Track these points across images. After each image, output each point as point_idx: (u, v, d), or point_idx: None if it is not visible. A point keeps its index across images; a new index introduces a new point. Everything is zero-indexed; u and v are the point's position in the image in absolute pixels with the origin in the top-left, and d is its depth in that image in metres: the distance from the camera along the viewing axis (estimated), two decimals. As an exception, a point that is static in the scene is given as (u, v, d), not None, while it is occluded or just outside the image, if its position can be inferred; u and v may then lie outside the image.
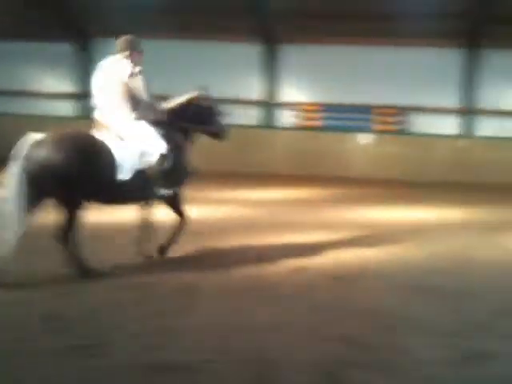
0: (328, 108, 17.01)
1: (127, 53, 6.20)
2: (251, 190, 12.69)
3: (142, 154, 6.07)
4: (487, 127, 16.60)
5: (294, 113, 17.21)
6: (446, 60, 16.53)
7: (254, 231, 8.34)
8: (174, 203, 6.68)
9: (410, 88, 16.77)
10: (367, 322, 4.84)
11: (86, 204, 5.92)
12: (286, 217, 9.71)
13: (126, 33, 6.50)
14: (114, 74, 6.09)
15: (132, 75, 6.07)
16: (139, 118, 6.20)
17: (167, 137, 6.30)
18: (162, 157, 6.13)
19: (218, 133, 7.09)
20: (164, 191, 6.36)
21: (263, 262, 6.70)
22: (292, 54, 17.28)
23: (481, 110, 16.55)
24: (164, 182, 6.24)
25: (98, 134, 6.02)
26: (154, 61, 17.24)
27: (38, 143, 5.59)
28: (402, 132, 16.73)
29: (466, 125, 16.62)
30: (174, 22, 16.76)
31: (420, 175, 15.44)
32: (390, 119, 16.83)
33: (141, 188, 6.12)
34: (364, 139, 16.16)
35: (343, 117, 16.84)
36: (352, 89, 16.89)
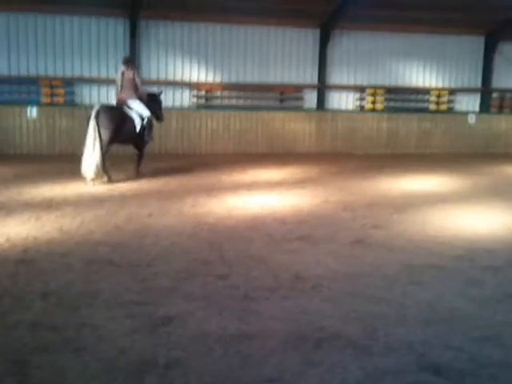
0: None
1: (130, 63, 11.84)
2: None
3: (141, 117, 11.41)
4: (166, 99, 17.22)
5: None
6: (110, 30, 16.63)
7: None
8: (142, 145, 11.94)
9: (76, 58, 16.52)
10: (50, 304, 4.77)
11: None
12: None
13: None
14: (127, 73, 11.53)
15: (136, 74, 11.65)
16: (138, 98, 11.56)
17: (148, 108, 11.63)
18: (149, 119, 11.63)
19: (161, 115, 12.57)
20: (147, 137, 11.74)
21: None
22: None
23: (156, 80, 17.09)
24: (147, 132, 11.68)
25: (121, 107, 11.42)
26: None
27: (100, 110, 10.76)
28: (70, 104, 16.42)
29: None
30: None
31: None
32: (58, 91, 16.34)
33: (142, 136, 11.53)
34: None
35: (10, 89, 15.99)
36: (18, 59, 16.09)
